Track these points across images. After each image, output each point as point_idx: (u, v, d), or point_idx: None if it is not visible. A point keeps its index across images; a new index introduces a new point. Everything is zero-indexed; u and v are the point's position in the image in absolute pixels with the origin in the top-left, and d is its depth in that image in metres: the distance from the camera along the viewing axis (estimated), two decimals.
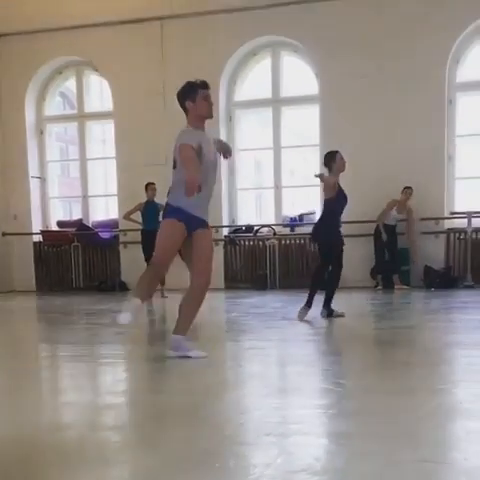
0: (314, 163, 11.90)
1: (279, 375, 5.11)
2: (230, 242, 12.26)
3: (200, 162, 5.10)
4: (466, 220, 10.90)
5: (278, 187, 12.40)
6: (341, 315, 7.57)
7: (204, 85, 5.35)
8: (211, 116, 5.39)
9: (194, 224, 5.24)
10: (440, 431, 3.21)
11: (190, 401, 3.95)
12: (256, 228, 12.33)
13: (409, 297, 10.04)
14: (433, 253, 11.23)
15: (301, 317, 7.44)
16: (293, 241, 12.02)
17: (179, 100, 5.35)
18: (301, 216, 12.44)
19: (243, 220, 12.67)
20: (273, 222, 12.37)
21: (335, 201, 7.56)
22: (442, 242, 11.33)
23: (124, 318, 5.11)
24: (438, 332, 6.57)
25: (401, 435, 3.11)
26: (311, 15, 11.35)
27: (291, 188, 13.83)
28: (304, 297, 7.52)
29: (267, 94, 12.40)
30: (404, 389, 4.07)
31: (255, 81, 12.66)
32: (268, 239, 12.11)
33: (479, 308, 8.53)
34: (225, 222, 12.42)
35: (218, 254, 10.86)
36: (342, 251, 7.70)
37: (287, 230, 12.34)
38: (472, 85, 11.31)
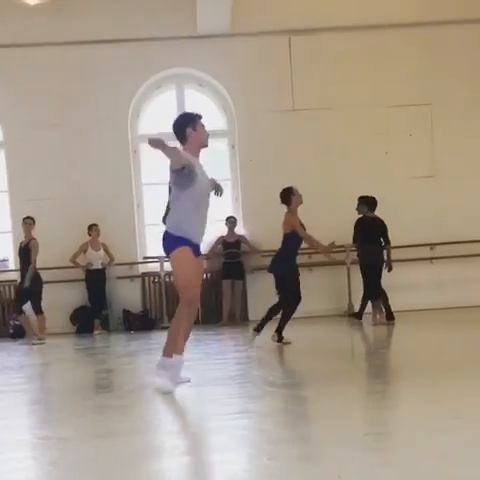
0: (4, 208, 11.56)
1: None
2: None
3: (193, 183, 5.30)
4: (158, 264, 11.34)
5: None
6: (288, 342, 7.92)
7: (200, 116, 5.67)
8: (207, 145, 5.69)
9: (195, 252, 5.44)
10: (138, 472, 3.25)
11: None
12: None
13: (109, 341, 10.18)
14: (130, 297, 11.49)
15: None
16: None
17: (177, 127, 5.55)
18: None
19: None
20: None
21: (295, 236, 7.99)
22: (138, 286, 11.65)
23: (166, 385, 5.17)
24: (136, 374, 6.72)
25: None
26: None
27: None
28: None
29: None
30: (102, 433, 4.09)
31: None
32: None
33: None
34: None
35: None
36: (298, 284, 8.05)
37: None
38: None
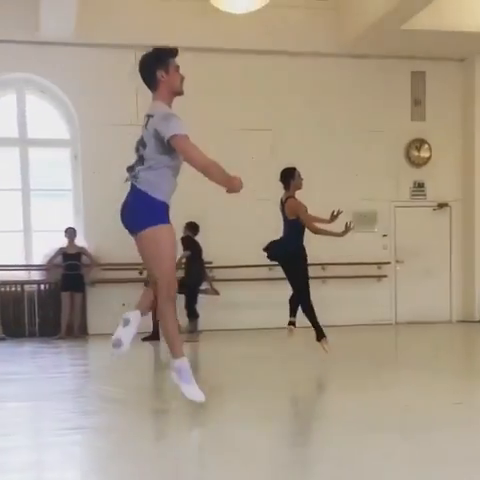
0: None
1: None
2: None
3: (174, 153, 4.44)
4: None
5: None
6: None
7: (175, 53, 4.56)
8: (183, 92, 4.61)
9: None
10: None
11: None
12: None
13: None
14: None
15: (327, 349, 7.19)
16: None
17: (145, 70, 4.53)
18: None
19: None
20: None
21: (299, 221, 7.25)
22: None
23: (194, 394, 4.42)
24: None
25: None
26: None
27: None
28: None
29: None
30: None
31: None
32: None
33: (8, 361, 8.63)
34: None
35: None
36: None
37: None
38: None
